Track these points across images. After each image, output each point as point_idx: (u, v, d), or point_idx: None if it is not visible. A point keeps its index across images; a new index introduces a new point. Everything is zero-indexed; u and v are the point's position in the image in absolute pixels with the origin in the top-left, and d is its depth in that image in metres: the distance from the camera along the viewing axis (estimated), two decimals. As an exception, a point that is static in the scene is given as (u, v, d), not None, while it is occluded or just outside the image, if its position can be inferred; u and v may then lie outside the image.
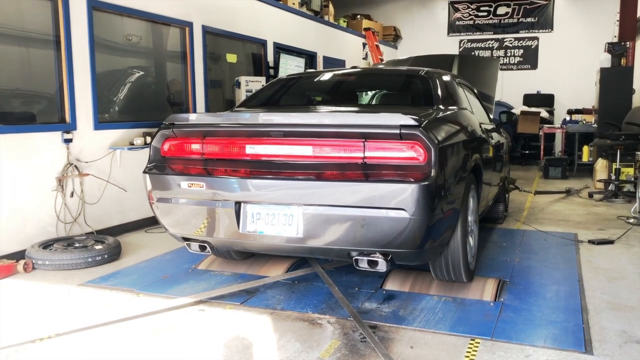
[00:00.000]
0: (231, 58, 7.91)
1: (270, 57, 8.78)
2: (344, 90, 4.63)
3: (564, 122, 11.61)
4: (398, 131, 2.97)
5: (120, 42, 5.98)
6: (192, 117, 3.52)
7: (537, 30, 14.10)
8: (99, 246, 4.61)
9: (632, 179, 7.62)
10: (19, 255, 4.52)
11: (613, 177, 7.80)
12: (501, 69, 12.82)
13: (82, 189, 5.21)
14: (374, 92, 4.92)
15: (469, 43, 14.62)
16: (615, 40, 10.44)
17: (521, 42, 14.23)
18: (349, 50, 12.03)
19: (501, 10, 14.34)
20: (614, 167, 7.78)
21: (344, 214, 3.04)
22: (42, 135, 4.81)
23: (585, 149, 10.34)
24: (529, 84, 13.92)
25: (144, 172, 3.55)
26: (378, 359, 2.77)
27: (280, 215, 3.22)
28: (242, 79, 7.46)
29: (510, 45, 14.31)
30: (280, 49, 9.03)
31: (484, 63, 7.46)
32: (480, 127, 4.34)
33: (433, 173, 2.96)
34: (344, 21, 12.42)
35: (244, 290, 3.74)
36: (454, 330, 3.10)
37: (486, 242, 5.08)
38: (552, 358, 2.78)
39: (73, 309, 3.55)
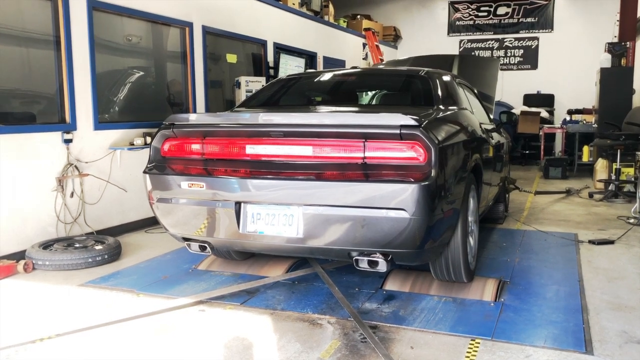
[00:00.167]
0: (231, 58, 7.91)
1: (270, 58, 8.78)
2: (344, 91, 4.63)
3: (564, 122, 11.61)
4: (398, 131, 2.96)
5: (120, 42, 5.98)
6: (192, 117, 3.52)
7: (537, 31, 14.10)
8: (99, 246, 4.60)
9: (632, 179, 7.62)
10: (19, 255, 4.52)
11: (613, 177, 7.80)
12: (501, 69, 12.81)
13: (82, 189, 5.21)
14: (374, 92, 4.92)
15: (469, 43, 14.62)
16: (616, 40, 10.44)
17: (521, 42, 14.23)
18: (349, 50, 12.03)
19: (501, 10, 14.34)
20: (614, 167, 7.78)
21: (344, 214, 3.04)
22: (42, 135, 4.81)
23: (586, 149, 10.34)
24: (529, 84, 13.92)
25: (144, 172, 3.55)
26: (378, 359, 2.77)
27: (280, 215, 3.22)
28: (242, 79, 7.46)
29: (511, 45, 14.32)
30: (280, 49, 9.03)
31: (484, 63, 7.45)
32: (481, 127, 4.34)
33: (433, 173, 2.95)
34: (344, 21, 12.42)
35: (244, 291, 3.74)
36: (454, 331, 3.10)
37: (486, 242, 5.08)
38: (553, 358, 2.78)
39: (73, 309, 3.55)
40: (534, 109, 12.37)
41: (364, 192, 2.98)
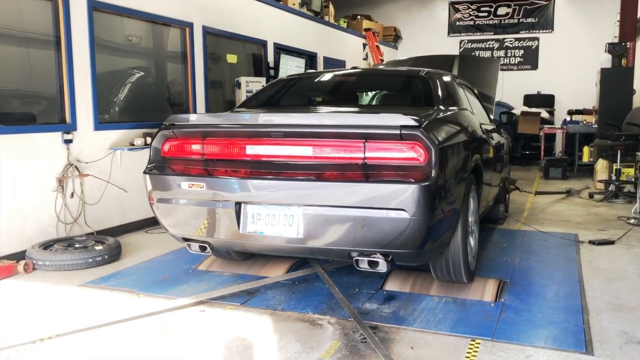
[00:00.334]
0: (231, 58, 7.91)
1: (270, 58, 8.78)
2: (345, 91, 4.63)
3: (565, 122, 11.60)
4: (398, 132, 2.96)
5: (120, 43, 5.99)
6: (193, 118, 3.52)
7: (537, 31, 14.10)
8: (99, 247, 4.60)
9: (633, 180, 7.61)
10: (20, 255, 4.52)
11: (613, 178, 7.79)
12: (501, 70, 12.81)
13: (82, 190, 5.21)
14: (374, 92, 4.92)
15: (470, 43, 14.62)
16: (616, 40, 10.44)
17: (521, 42, 14.24)
18: (350, 50, 12.03)
19: (501, 10, 14.34)
20: (614, 167, 7.77)
21: (345, 214, 3.04)
22: (42, 135, 4.81)
23: (586, 149, 10.33)
24: (529, 84, 13.92)
25: (144, 172, 3.55)
26: (378, 360, 2.77)
27: (280, 215, 3.22)
28: (243, 80, 7.46)
29: (511, 45, 14.32)
30: (280, 49, 9.03)
31: (484, 63, 7.45)
32: (481, 127, 4.33)
33: (433, 173, 2.95)
34: (344, 22, 12.42)
35: (245, 291, 3.74)
36: (454, 331, 3.10)
37: (486, 243, 5.08)
38: (553, 359, 2.78)
39: (73, 309, 3.55)
40: (534, 110, 12.37)
41: (364, 192, 2.98)
